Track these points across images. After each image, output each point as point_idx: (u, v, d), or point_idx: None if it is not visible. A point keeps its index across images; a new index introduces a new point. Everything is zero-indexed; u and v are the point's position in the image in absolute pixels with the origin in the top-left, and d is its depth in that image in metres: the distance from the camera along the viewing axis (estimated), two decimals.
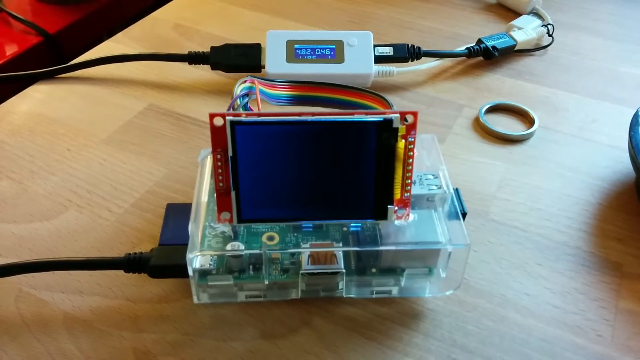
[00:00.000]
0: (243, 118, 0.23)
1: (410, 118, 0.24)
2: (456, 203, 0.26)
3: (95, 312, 0.26)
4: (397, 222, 0.25)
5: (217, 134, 0.23)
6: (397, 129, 0.23)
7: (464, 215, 0.26)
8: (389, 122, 0.23)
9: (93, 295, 0.27)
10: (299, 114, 0.23)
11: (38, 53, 0.60)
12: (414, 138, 0.24)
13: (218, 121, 0.23)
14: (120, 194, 0.31)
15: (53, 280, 0.27)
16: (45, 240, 0.29)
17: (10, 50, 0.58)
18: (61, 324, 0.25)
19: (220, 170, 0.24)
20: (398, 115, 0.23)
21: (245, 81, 0.29)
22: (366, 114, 0.23)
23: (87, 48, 0.43)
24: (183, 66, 0.40)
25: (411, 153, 0.24)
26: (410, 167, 0.24)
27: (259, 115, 0.23)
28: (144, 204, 0.31)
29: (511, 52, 0.42)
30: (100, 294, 0.27)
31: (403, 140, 0.24)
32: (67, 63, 0.40)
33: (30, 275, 0.27)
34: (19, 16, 0.60)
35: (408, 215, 0.25)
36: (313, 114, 0.23)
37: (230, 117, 0.23)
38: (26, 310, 0.26)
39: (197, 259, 0.24)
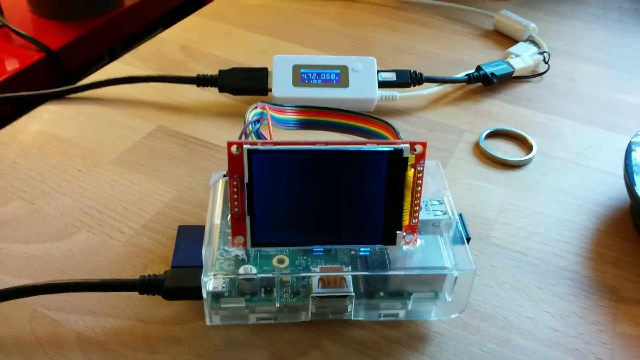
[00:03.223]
0: (260, 147, 0.24)
1: (419, 148, 0.25)
2: (461, 228, 0.27)
3: (109, 332, 0.26)
4: (405, 247, 0.26)
5: (234, 161, 0.24)
6: (407, 159, 0.24)
7: (468, 240, 0.27)
8: (400, 152, 0.24)
9: (106, 316, 0.27)
10: (313, 143, 0.24)
11: (39, 69, 0.60)
12: (423, 167, 0.25)
13: (235, 149, 0.24)
14: (131, 214, 0.32)
15: (66, 301, 0.28)
16: (57, 261, 0.29)
17: (12, 66, 0.59)
18: (75, 345, 0.26)
19: (236, 196, 0.25)
20: (408, 145, 0.24)
21: (256, 107, 0.30)
22: (378, 143, 0.24)
23: (88, 64, 0.44)
24: (191, 88, 0.41)
25: (420, 181, 0.25)
26: (418, 194, 0.25)
27: (275, 143, 0.24)
28: (154, 225, 0.32)
29: (509, 79, 0.43)
30: (113, 314, 0.27)
31: (412, 169, 0.25)
32: (68, 79, 0.41)
33: (44, 295, 0.28)
34: (21, 32, 0.60)
35: (416, 240, 0.26)
36: (327, 143, 0.24)
37: (248, 146, 0.24)
38: (40, 331, 0.26)
39: (210, 282, 0.25)
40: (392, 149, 0.24)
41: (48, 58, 0.60)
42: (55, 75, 0.62)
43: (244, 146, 0.24)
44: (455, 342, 0.27)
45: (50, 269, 0.29)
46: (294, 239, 0.26)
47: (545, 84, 0.44)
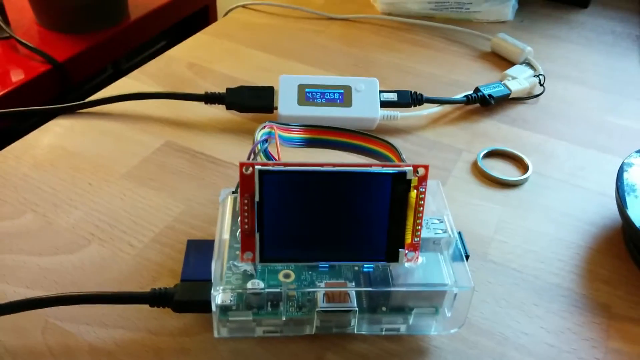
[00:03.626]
0: (270, 167, 0.25)
1: (421, 171, 0.26)
2: (460, 246, 0.28)
3: (120, 344, 0.27)
4: (407, 265, 0.27)
5: (245, 181, 0.25)
6: (410, 181, 0.25)
7: (467, 257, 0.29)
8: (403, 174, 0.25)
9: (117, 327, 0.28)
10: (321, 165, 0.25)
11: (45, 81, 0.61)
12: (425, 188, 0.26)
13: (247, 170, 0.25)
14: (141, 228, 0.33)
15: (78, 313, 0.28)
16: (69, 273, 0.30)
17: (18, 77, 0.60)
18: (86, 355, 0.27)
19: (246, 214, 0.26)
20: (411, 168, 0.25)
21: (264, 127, 0.31)
22: (383, 165, 0.26)
23: (93, 77, 0.45)
24: (199, 105, 0.42)
25: (422, 202, 0.26)
26: (420, 214, 0.26)
27: (285, 164, 0.25)
28: (163, 239, 0.33)
29: (506, 100, 0.45)
30: (123, 326, 0.28)
31: (415, 190, 0.26)
32: (73, 91, 0.42)
33: (57, 307, 0.28)
34: (28, 43, 0.61)
35: (417, 258, 0.27)
36: (334, 165, 0.25)
37: (259, 167, 0.25)
38: (53, 342, 0.27)
39: (219, 296, 0.26)
40: (396, 171, 0.25)
41: (54, 70, 0.61)
42: (61, 87, 0.64)
43: (256, 167, 0.25)
44: (454, 356, 0.28)
45: (63, 281, 0.30)
46: (300, 255, 0.27)
47: (540, 106, 0.46)
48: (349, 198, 0.26)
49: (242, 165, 0.25)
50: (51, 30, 0.67)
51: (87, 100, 0.42)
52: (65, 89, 0.63)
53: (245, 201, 0.26)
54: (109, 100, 0.41)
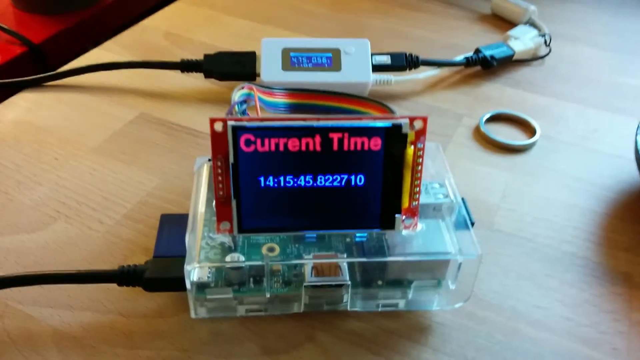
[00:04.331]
0: (245, 123, 0.22)
1: (419, 124, 0.23)
2: (464, 212, 0.25)
3: (87, 328, 0.24)
4: (404, 232, 0.24)
5: (217, 139, 0.22)
6: (406, 135, 0.22)
7: (472, 224, 0.26)
8: (398, 127, 0.22)
9: (84, 310, 0.25)
10: (304, 119, 0.22)
11: (22, 63, 0.58)
12: (423, 144, 0.23)
13: (219, 126, 0.22)
14: (111, 204, 0.30)
15: (41, 295, 0.26)
16: (32, 253, 0.27)
17: None
18: (50, 341, 0.24)
19: (220, 178, 0.23)
20: (407, 120, 0.22)
21: (243, 87, 0.28)
22: (374, 119, 0.22)
23: (73, 59, 0.42)
24: (175, 74, 0.39)
25: (420, 160, 0.23)
26: (419, 174, 0.23)
27: (262, 119, 0.22)
28: (136, 215, 0.30)
29: (509, 62, 0.42)
30: (91, 308, 0.25)
31: (412, 147, 0.23)
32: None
33: (17, 289, 0.25)
34: (3, 25, 0.59)
35: (416, 224, 0.24)
36: (318, 119, 0.22)
37: (232, 122, 0.22)
38: (12, 327, 0.24)
39: (195, 272, 0.23)
40: (390, 125, 0.22)
41: (30, 52, 0.58)
42: (39, 70, 0.61)
43: (229, 123, 0.22)
44: (460, 333, 0.25)
45: (24, 261, 0.27)
46: (284, 225, 0.24)
47: (546, 68, 0.43)
48: (337, 156, 0.23)
49: (212, 120, 0.22)
50: (27, 12, 0.64)
51: (54, 72, 0.39)
52: (44, 71, 0.60)
53: (219, 163, 0.23)
54: (78, 72, 0.38)
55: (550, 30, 0.45)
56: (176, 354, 0.24)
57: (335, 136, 0.22)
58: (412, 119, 0.23)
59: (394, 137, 0.22)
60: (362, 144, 0.22)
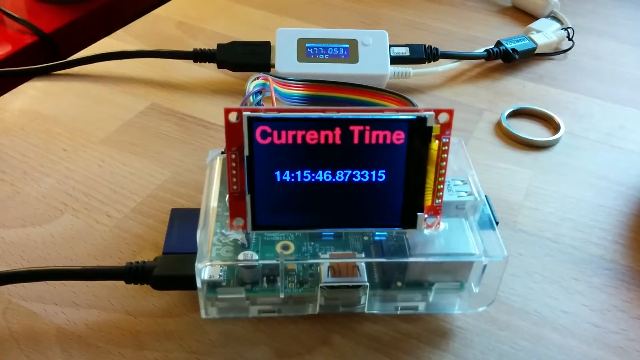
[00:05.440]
0: (262, 114, 0.21)
1: (444, 117, 0.21)
2: (488, 211, 0.24)
3: (92, 327, 0.24)
4: (426, 232, 0.23)
5: (232, 131, 0.21)
6: (431, 128, 0.21)
7: (497, 224, 0.24)
8: (423, 120, 0.21)
9: (90, 308, 0.24)
10: (323, 110, 0.21)
11: (33, 53, 0.57)
12: (449, 139, 0.22)
13: (233, 117, 0.21)
14: (120, 197, 0.29)
15: (46, 291, 0.25)
16: (38, 247, 0.27)
17: (4, 49, 0.56)
18: (54, 340, 0.23)
19: (234, 172, 0.22)
20: (433, 113, 0.21)
21: (258, 78, 0.27)
22: (397, 111, 0.21)
23: (84, 48, 0.41)
24: (187, 64, 0.38)
25: (445, 155, 0.22)
26: (443, 170, 0.22)
27: (279, 110, 0.21)
28: (145, 209, 0.29)
29: (530, 56, 0.40)
30: (97, 306, 0.24)
31: (437, 141, 0.22)
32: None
33: (21, 285, 0.25)
34: (14, 15, 0.58)
35: (439, 224, 0.23)
36: (338, 110, 0.21)
37: (248, 113, 0.21)
38: (16, 324, 0.23)
39: (206, 270, 0.22)
40: (415, 117, 0.21)
41: (42, 41, 0.58)
42: (50, 60, 0.60)
43: (244, 113, 0.21)
44: (483, 339, 0.24)
45: (30, 255, 0.26)
46: (300, 222, 0.23)
47: (569, 62, 0.41)
48: (357, 150, 0.21)
49: (227, 111, 0.21)
50: (38, 1, 0.63)
51: (64, 60, 0.38)
52: (55, 60, 0.59)
53: (233, 156, 0.21)
54: (88, 60, 0.37)
55: (573, 23, 0.44)
56: (185, 356, 0.23)
57: (356, 129, 0.21)
58: (437, 112, 0.21)
59: (418, 131, 0.21)
60: (385, 137, 0.21)
